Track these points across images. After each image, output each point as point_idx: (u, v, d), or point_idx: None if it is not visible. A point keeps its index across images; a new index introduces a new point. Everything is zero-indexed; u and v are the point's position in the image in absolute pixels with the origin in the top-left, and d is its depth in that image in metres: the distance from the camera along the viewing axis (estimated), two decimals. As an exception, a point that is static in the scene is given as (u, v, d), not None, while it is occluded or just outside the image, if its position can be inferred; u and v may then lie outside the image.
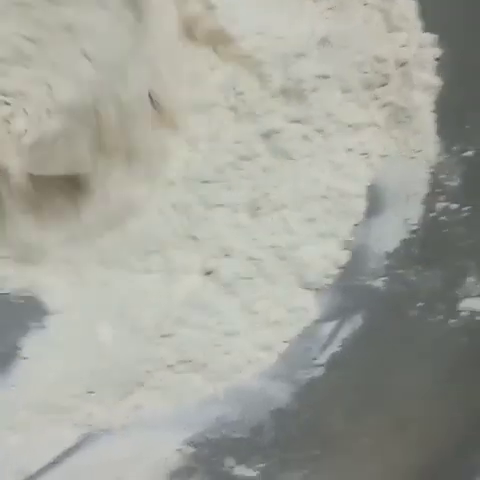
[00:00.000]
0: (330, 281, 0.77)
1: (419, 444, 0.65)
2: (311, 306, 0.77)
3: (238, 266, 0.77)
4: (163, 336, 0.75)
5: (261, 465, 0.68)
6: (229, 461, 0.69)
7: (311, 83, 0.79)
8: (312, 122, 0.79)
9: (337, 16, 0.86)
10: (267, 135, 0.79)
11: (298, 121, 0.79)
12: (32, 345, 0.76)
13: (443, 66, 0.82)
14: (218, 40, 0.82)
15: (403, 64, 0.82)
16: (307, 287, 0.77)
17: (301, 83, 0.79)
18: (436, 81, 0.82)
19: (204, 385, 0.74)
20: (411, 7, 0.84)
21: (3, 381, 0.75)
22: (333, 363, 0.73)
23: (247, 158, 0.79)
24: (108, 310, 0.77)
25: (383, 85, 0.82)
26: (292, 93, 0.80)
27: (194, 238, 0.78)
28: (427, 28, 0.83)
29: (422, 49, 0.82)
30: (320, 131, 0.79)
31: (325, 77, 0.80)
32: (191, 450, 0.70)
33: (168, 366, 0.74)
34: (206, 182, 0.80)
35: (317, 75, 0.80)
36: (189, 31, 0.82)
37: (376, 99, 0.82)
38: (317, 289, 0.77)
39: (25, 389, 0.73)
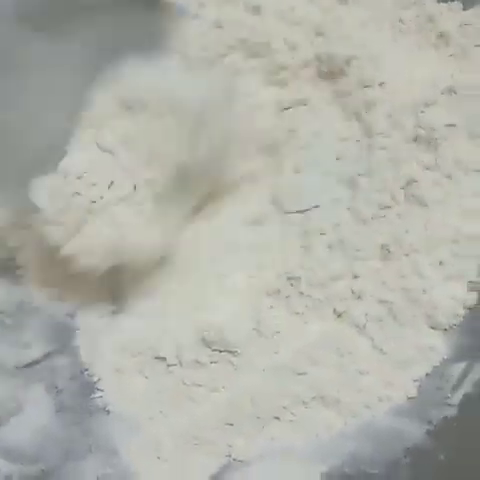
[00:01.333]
0: (458, 321, 0.78)
1: None
2: (440, 346, 0.78)
3: (369, 308, 0.79)
4: (298, 374, 0.78)
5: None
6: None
7: (441, 132, 0.81)
8: (442, 168, 0.81)
9: (460, 63, 0.88)
10: (408, 183, 0.81)
11: (429, 168, 0.81)
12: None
13: None
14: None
15: None
16: (435, 327, 0.78)
17: (432, 132, 0.81)
18: None
19: (336, 421, 0.77)
20: None
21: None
22: (466, 404, 0.74)
23: (388, 206, 0.81)
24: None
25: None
26: (424, 141, 0.82)
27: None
28: None
29: None
30: (449, 177, 0.81)
31: (453, 125, 0.81)
32: (331, 482, 0.72)
33: (302, 402, 0.77)
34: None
35: (446, 124, 0.81)
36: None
37: (503, 144, 0.83)
38: (445, 329, 0.79)
39: (172, 420, 0.78)
